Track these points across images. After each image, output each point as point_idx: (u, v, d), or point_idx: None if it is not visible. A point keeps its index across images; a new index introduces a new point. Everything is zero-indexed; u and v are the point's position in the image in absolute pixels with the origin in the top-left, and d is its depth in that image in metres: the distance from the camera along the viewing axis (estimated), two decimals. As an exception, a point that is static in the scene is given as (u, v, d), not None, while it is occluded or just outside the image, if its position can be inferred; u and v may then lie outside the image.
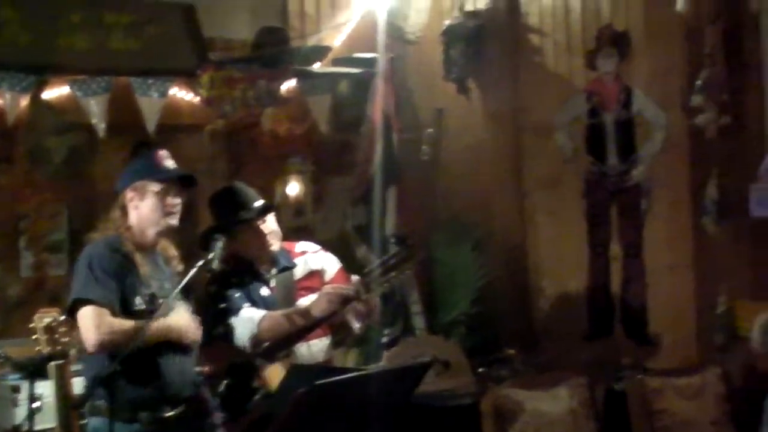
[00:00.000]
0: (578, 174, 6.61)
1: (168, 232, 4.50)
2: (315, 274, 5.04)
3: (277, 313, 4.73)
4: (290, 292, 4.96)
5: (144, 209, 4.45)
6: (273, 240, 4.95)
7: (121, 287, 4.30)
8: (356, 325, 4.83)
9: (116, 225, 4.46)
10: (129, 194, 4.46)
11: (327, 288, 4.71)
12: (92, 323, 4.21)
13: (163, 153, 4.56)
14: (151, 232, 4.46)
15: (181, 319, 4.34)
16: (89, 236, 4.58)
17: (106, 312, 4.22)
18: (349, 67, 7.17)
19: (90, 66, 6.60)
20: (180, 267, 4.54)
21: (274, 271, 5.01)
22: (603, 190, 6.48)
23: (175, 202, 4.48)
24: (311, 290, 4.92)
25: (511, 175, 7.06)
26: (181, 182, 4.53)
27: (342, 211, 7.37)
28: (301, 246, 5.16)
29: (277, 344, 4.71)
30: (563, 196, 6.73)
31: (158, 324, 4.25)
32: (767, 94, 5.89)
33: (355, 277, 4.94)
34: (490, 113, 7.10)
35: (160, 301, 4.35)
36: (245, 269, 4.95)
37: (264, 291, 4.93)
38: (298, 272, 5.04)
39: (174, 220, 4.48)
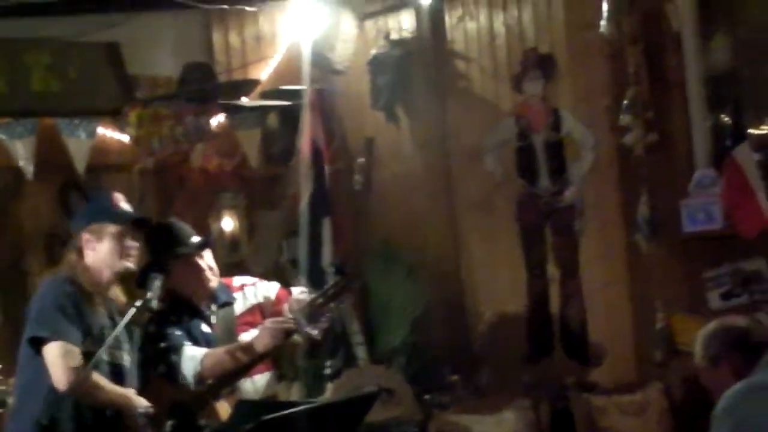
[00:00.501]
0: (510, 197, 6.65)
1: (122, 276, 4.49)
2: (256, 308, 5.02)
3: (220, 350, 4.70)
4: (231, 327, 4.94)
5: (101, 251, 4.43)
6: (211, 276, 4.92)
7: (82, 329, 4.28)
8: (314, 332, 4.76)
9: (72, 266, 4.43)
10: (86, 236, 4.45)
11: (268, 322, 4.69)
12: (63, 361, 4.16)
13: (118, 196, 4.57)
14: (107, 274, 4.45)
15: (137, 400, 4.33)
16: (44, 275, 4.56)
17: (76, 350, 4.18)
18: (278, 99, 7.17)
19: (13, 108, 6.53)
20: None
21: (213, 307, 4.97)
22: (536, 211, 6.52)
23: (133, 245, 4.47)
24: (252, 325, 4.90)
25: (442, 199, 7.09)
26: (135, 226, 4.52)
27: (277, 244, 7.35)
28: (239, 280, 5.13)
29: (221, 381, 4.67)
30: (496, 219, 6.77)
31: (120, 393, 4.25)
32: (692, 111, 5.98)
33: (296, 290, 4.94)
34: (420, 140, 7.14)
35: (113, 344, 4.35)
36: (184, 307, 4.92)
37: (205, 328, 4.90)
38: (238, 307, 5.01)
39: (131, 263, 4.47)
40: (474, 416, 5.62)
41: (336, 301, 4.71)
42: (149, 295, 4.33)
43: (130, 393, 4.36)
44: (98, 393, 4.24)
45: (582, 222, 6.35)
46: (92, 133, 6.63)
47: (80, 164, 6.55)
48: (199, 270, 4.87)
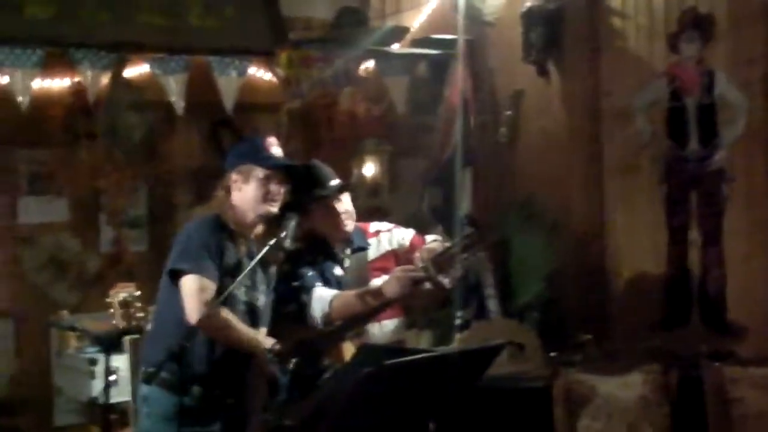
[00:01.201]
0: (657, 159, 6.52)
1: (267, 218, 4.57)
2: (389, 255, 5.06)
3: (349, 293, 4.76)
4: (364, 272, 4.99)
5: (247, 193, 4.51)
6: (348, 220, 4.97)
7: (222, 266, 4.38)
8: (444, 281, 4.75)
9: (219, 204, 4.53)
10: (234, 176, 4.53)
11: (398, 270, 4.73)
12: (197, 295, 4.27)
13: (271, 140, 4.62)
14: (251, 216, 4.53)
15: (265, 340, 4.41)
16: (194, 210, 4.66)
17: (212, 286, 4.30)
18: (428, 48, 7.19)
19: (168, 44, 6.70)
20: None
21: (348, 251, 5.04)
22: (683, 175, 6.39)
23: (278, 189, 4.55)
24: (385, 270, 4.94)
25: (588, 159, 6.99)
26: (283, 171, 4.59)
27: (418, 192, 7.39)
28: (375, 226, 5.18)
29: (348, 323, 4.74)
30: (642, 181, 6.65)
31: (250, 335, 4.33)
32: None
33: (429, 237, 4.97)
34: (569, 96, 7.04)
35: (249, 284, 4.45)
36: (319, 248, 4.99)
37: (337, 270, 4.97)
38: (372, 253, 5.06)
39: (274, 208, 4.55)
40: (601, 377, 5.57)
41: (468, 253, 4.71)
42: (283, 234, 4.40)
43: (260, 335, 4.45)
44: (227, 331, 4.33)
45: (729, 189, 6.20)
46: (243, 72, 6.76)
47: (229, 102, 6.70)
48: (336, 213, 4.93)
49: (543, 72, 7.11)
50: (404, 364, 3.60)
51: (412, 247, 5.02)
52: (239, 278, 4.29)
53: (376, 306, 4.70)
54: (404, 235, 5.14)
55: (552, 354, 5.95)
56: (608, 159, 6.89)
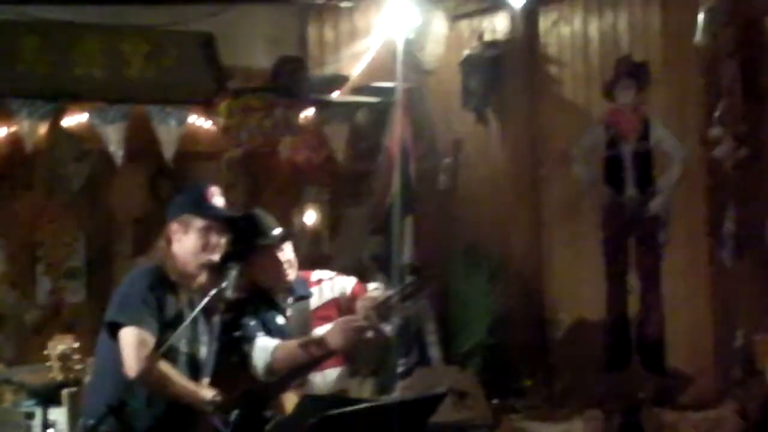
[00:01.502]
0: (596, 205, 6.59)
1: (209, 268, 4.53)
2: (332, 303, 5.03)
3: (292, 343, 4.73)
4: (306, 321, 4.95)
5: (188, 243, 4.46)
6: (290, 269, 4.95)
7: (163, 318, 4.33)
8: (387, 329, 4.76)
9: (161, 254, 4.49)
10: (174, 226, 4.49)
11: (340, 321, 4.71)
12: (136, 348, 4.22)
13: (213, 189, 4.57)
14: (192, 266, 4.48)
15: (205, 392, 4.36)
16: (136, 261, 4.60)
17: (151, 339, 4.24)
18: (367, 96, 7.21)
19: (107, 94, 6.67)
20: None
21: (290, 300, 5.01)
22: (621, 220, 6.45)
23: (218, 240, 4.52)
24: (328, 319, 4.90)
25: (528, 204, 7.06)
26: (225, 220, 4.57)
27: (359, 240, 7.38)
28: (317, 275, 5.14)
29: (291, 373, 4.71)
30: (581, 226, 6.73)
31: (190, 388, 4.31)
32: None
33: (371, 286, 4.95)
34: (509, 142, 7.11)
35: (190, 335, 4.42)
36: (261, 297, 4.95)
37: (280, 320, 4.93)
38: (315, 301, 5.03)
39: (215, 257, 4.51)
40: (543, 424, 5.59)
41: (409, 301, 4.70)
42: (224, 284, 4.37)
43: (200, 387, 4.40)
44: (166, 385, 4.27)
45: (667, 234, 6.27)
46: (183, 121, 6.73)
47: (169, 151, 6.66)
48: (278, 262, 4.89)
49: (482, 119, 7.18)
50: (348, 414, 3.58)
51: (354, 295, 5.00)
52: (179, 330, 4.24)
53: (319, 356, 4.67)
54: (345, 284, 5.12)
55: (495, 401, 5.95)
56: (548, 204, 6.96)
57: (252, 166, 7.48)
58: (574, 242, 6.78)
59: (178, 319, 4.34)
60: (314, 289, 5.03)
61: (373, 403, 3.92)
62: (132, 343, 4.22)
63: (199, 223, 4.44)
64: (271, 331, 4.84)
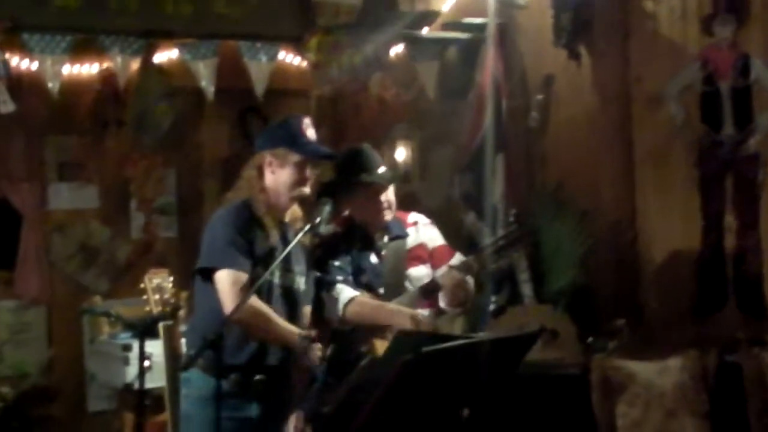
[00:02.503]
0: (690, 144, 6.43)
1: (300, 200, 4.53)
2: (423, 245, 5.03)
3: (367, 304, 4.69)
4: (401, 260, 4.95)
5: (282, 177, 4.45)
6: (388, 209, 4.93)
7: (253, 255, 4.33)
8: (447, 309, 4.91)
9: (250, 186, 4.47)
10: (268, 158, 4.46)
11: (413, 314, 4.67)
12: (232, 288, 4.23)
13: (307, 122, 4.54)
14: (284, 199, 4.48)
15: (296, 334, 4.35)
16: (225, 197, 4.59)
17: (243, 278, 4.25)
18: (458, 32, 7.11)
19: (197, 30, 6.66)
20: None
21: (386, 239, 4.99)
22: (717, 160, 6.29)
23: (311, 174, 4.50)
24: (421, 259, 4.94)
25: (620, 145, 6.90)
26: (327, 157, 4.57)
27: (449, 179, 7.32)
28: (413, 216, 5.15)
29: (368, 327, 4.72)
30: (675, 166, 6.56)
31: (283, 327, 4.30)
32: None
33: (457, 256, 4.93)
34: (600, 81, 6.95)
35: (285, 268, 4.42)
36: (357, 234, 4.95)
37: (373, 259, 4.93)
38: (410, 241, 5.02)
39: (308, 189, 4.50)
40: (637, 362, 5.50)
41: (512, 250, 4.67)
42: (318, 219, 4.35)
43: (292, 327, 4.39)
44: (260, 321, 4.27)
45: (765, 173, 6.10)
46: (273, 57, 6.71)
47: (260, 87, 6.65)
48: (379, 202, 4.88)
49: (574, 56, 7.01)
50: (443, 351, 3.54)
51: (436, 256, 4.99)
52: (273, 266, 4.23)
53: (387, 326, 4.66)
54: (435, 237, 5.09)
55: (589, 340, 5.88)
56: (640, 144, 6.80)
57: (341, 103, 7.46)
58: (667, 182, 6.62)
59: (270, 254, 4.35)
60: (410, 230, 5.04)
61: (468, 340, 3.85)
62: (227, 284, 4.25)
63: (295, 157, 4.42)
64: (364, 270, 4.84)
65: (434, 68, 7.02)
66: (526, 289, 6.41)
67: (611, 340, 5.95)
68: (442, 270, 4.86)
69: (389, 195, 4.91)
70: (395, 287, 4.84)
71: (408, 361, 3.40)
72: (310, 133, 4.51)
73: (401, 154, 7.59)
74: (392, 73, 7.19)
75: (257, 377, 4.36)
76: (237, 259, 4.28)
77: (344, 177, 4.85)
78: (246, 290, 4.16)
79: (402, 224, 5.03)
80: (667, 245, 6.59)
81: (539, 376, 5.38)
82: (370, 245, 4.93)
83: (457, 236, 6.63)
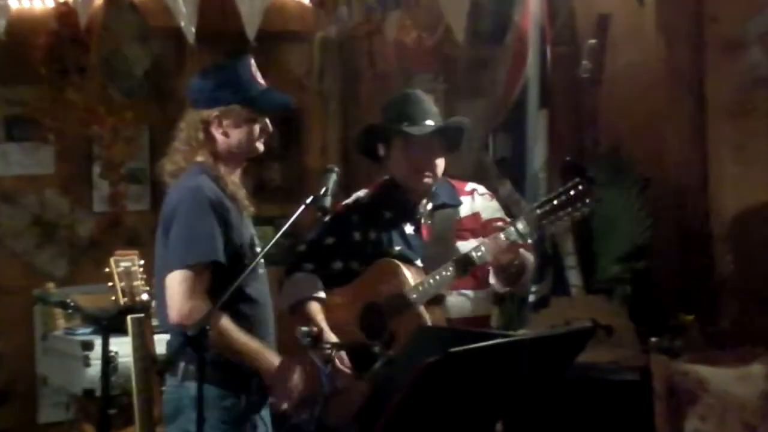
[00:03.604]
0: (774, 97, 6.43)
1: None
2: (477, 216, 5.04)
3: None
4: (448, 231, 4.95)
5: (237, 135, 4.46)
6: (430, 172, 4.93)
7: (231, 236, 4.32)
8: (499, 287, 4.90)
9: (201, 150, 4.46)
10: (217, 117, 4.45)
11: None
12: (180, 290, 4.22)
13: (254, 65, 4.54)
14: (237, 161, 4.49)
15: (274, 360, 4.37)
16: (163, 168, 4.55)
17: (203, 279, 4.24)
18: (494, -39, 7.10)
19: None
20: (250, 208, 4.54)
21: (429, 206, 5.01)
22: (806, 117, 6.29)
23: (269, 128, 4.50)
24: (473, 232, 4.96)
25: (689, 99, 6.88)
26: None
27: (481, 139, 7.31)
28: (471, 185, 5.17)
29: None
30: (756, 125, 6.54)
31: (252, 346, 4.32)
32: None
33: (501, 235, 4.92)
34: (667, 23, 6.92)
35: (257, 249, 4.43)
36: (394, 200, 4.99)
37: (408, 229, 4.95)
38: (462, 211, 5.04)
39: (262, 146, 4.51)
40: (711, 367, 5.48)
41: (576, 206, 4.62)
42: (323, 190, 4.32)
43: (264, 349, 4.39)
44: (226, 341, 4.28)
45: None
46: (267, -8, 6.67)
47: (251, 29, 6.62)
48: (419, 159, 4.90)
49: (634, -9, 6.99)
50: (474, 352, 3.51)
51: (491, 229, 4.97)
52: (261, 253, 4.22)
53: None
54: (492, 210, 5.10)
55: (651, 339, 5.87)
56: (713, 98, 6.78)
57: (351, 48, 7.45)
58: (747, 144, 6.60)
59: (248, 237, 4.40)
60: (465, 199, 5.06)
61: (502, 339, 3.83)
62: (176, 284, 4.26)
63: (251, 113, 4.46)
64: (392, 241, 4.88)
65: (464, 5, 6.98)
66: (573, 277, 6.42)
67: (678, 338, 5.94)
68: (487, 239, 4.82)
69: (435, 156, 4.92)
70: (440, 262, 4.84)
71: (432, 364, 3.38)
72: (259, 77, 4.52)
73: (424, 109, 7.58)
74: (412, 12, 7.18)
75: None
76: (199, 252, 4.27)
77: (385, 125, 4.89)
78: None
79: (455, 191, 5.06)
80: (747, 221, 6.58)
81: (590, 382, 5.39)
82: (406, 213, 4.96)
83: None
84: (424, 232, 4.98)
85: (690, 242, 6.76)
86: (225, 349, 4.26)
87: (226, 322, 4.24)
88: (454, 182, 5.12)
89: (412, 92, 5.09)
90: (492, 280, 4.91)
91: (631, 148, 6.99)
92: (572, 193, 4.56)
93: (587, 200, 4.56)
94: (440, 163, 4.99)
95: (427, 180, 4.94)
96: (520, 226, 4.62)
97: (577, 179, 4.60)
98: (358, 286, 4.93)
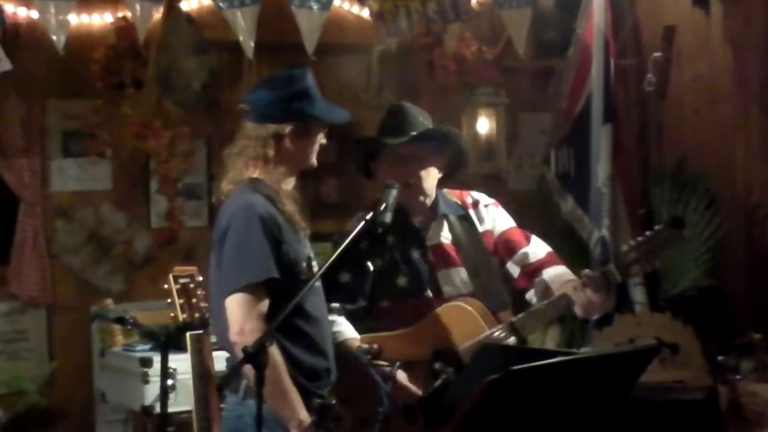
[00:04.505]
0: None
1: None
2: (489, 233, 4.95)
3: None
4: (477, 242, 4.88)
5: (305, 150, 4.45)
6: (414, 181, 4.81)
7: (284, 252, 4.34)
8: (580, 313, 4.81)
9: (264, 165, 4.44)
10: (293, 130, 4.42)
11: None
12: (238, 312, 4.28)
13: (311, 74, 4.52)
14: (293, 175, 4.47)
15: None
16: (221, 188, 4.53)
17: (260, 299, 4.28)
18: (556, -29, 7.12)
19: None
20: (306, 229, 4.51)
21: (444, 228, 4.92)
22: None
23: (324, 142, 4.52)
24: (493, 251, 4.90)
25: (758, 112, 6.88)
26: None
27: (543, 154, 7.31)
28: (474, 195, 5.06)
29: None
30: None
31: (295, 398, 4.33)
32: None
33: (537, 243, 4.89)
34: (735, 32, 6.92)
35: (314, 269, 4.41)
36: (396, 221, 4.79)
37: (415, 254, 4.85)
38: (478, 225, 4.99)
39: (315, 161, 4.52)
40: (782, 389, 5.48)
41: (656, 258, 4.63)
42: (383, 206, 4.28)
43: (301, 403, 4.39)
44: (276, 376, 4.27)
45: None
46: (326, 5, 6.70)
47: (310, 42, 6.65)
48: (405, 175, 4.75)
49: (700, 3, 6.98)
50: (536, 370, 3.53)
51: (510, 242, 4.92)
52: (320, 271, 4.22)
53: None
54: (502, 221, 5.00)
55: (719, 358, 5.85)
56: (786, 112, 6.79)
57: (410, 60, 7.46)
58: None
59: (300, 245, 4.38)
60: (471, 212, 4.98)
61: (565, 357, 3.85)
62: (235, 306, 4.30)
63: (320, 126, 4.45)
64: (400, 269, 4.80)
65: (525, 18, 7.00)
66: (638, 294, 6.40)
67: (746, 357, 5.91)
68: (571, 283, 4.75)
69: (418, 166, 4.82)
70: (489, 284, 4.83)
71: (494, 381, 3.41)
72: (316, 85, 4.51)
73: (484, 124, 7.57)
74: (473, 25, 7.19)
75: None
76: (254, 273, 4.30)
77: (366, 139, 4.87)
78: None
79: (450, 200, 4.95)
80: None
81: (655, 402, 5.37)
82: (412, 233, 4.89)
83: (551, 226, 6.63)
84: (452, 254, 4.87)
85: (760, 261, 6.75)
86: (272, 383, 4.26)
87: (279, 359, 4.28)
88: (452, 191, 5.00)
89: (398, 104, 4.98)
90: (577, 311, 4.86)
91: (698, 164, 6.98)
92: (661, 238, 4.59)
93: (675, 244, 4.59)
94: (427, 175, 4.83)
95: (420, 198, 4.82)
96: (611, 271, 4.64)
97: (664, 225, 4.63)
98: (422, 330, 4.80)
